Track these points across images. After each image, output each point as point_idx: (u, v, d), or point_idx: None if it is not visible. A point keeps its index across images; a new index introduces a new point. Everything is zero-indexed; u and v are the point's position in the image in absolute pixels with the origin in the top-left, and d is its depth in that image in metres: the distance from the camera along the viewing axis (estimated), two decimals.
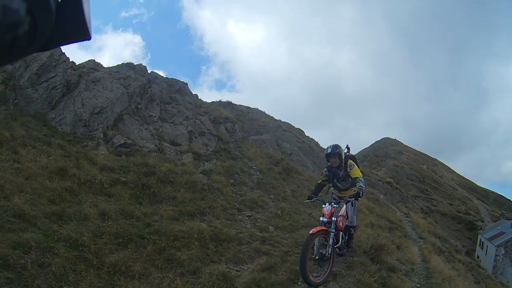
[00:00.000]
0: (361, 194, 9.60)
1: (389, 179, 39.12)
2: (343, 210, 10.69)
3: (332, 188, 11.20)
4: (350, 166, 10.25)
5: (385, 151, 61.98)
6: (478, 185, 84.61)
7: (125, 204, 11.43)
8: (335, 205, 9.61)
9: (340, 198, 10.70)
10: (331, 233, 9.22)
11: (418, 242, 18.36)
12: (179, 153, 18.72)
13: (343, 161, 10.43)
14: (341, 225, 10.30)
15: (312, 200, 10.10)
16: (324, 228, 9.12)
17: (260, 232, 12.58)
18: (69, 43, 1.04)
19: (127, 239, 9.25)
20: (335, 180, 10.79)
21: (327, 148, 10.57)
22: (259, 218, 14.09)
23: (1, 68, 18.11)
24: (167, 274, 8.15)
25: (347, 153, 10.95)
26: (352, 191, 10.14)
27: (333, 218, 9.35)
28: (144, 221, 10.55)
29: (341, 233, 10.13)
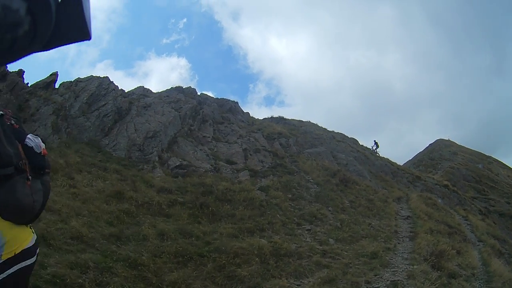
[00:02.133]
0: None
1: (446, 182, 37.59)
2: None
3: None
4: None
5: (440, 153, 59.90)
6: None
7: (184, 223, 11.41)
8: None
9: None
10: None
11: (478, 245, 17.56)
12: (235, 171, 18.61)
13: None
14: None
15: None
16: None
17: (320, 245, 12.34)
18: (69, 43, 1.02)
19: (187, 257, 9.12)
20: None
21: None
22: (318, 231, 13.76)
23: (51, 99, 18.95)
24: None
25: None
26: None
27: None
28: (203, 240, 10.48)
29: None
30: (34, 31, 0.87)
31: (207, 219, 12.35)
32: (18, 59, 0.92)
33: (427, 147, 70.23)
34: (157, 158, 17.24)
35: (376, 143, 43.94)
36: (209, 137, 23.00)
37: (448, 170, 50.22)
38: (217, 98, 32.85)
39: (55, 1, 0.90)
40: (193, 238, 10.40)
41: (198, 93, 30.91)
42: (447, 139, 73.78)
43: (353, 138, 41.01)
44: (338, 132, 39.65)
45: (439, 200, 27.15)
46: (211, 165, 18.53)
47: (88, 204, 10.73)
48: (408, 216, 18.58)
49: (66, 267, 6.90)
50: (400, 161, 48.50)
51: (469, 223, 22.50)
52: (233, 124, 27.25)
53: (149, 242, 9.42)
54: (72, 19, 0.96)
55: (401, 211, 19.74)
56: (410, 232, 15.72)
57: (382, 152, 45.82)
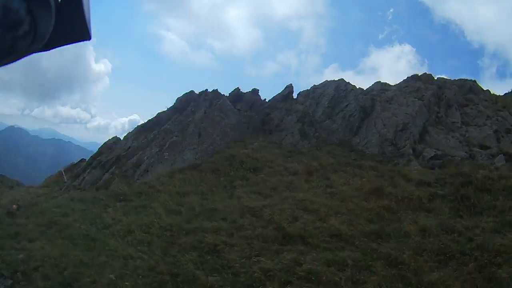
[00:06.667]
0: None
1: None
2: None
3: None
4: None
5: None
6: None
7: (445, 218, 11.02)
8: None
9: None
10: None
11: None
12: (490, 157, 17.08)
13: None
14: None
15: None
16: None
17: None
18: (69, 43, 1.04)
19: (449, 255, 8.79)
20: None
21: None
22: None
23: (293, 109, 20.59)
24: None
25: None
26: None
27: None
28: (465, 236, 9.91)
29: None
30: (34, 31, 0.89)
31: (468, 212, 11.66)
32: (18, 59, 0.94)
33: None
34: (411, 151, 17.09)
35: None
36: (457, 122, 21.82)
37: None
38: (455, 80, 30.34)
39: (55, 1, 0.92)
40: (455, 234, 9.96)
41: (435, 78, 29.37)
42: None
43: None
44: None
45: None
46: (465, 152, 17.57)
47: (346, 202, 11.23)
48: None
49: (323, 264, 7.35)
50: None
51: None
52: (477, 104, 25.05)
53: (410, 239, 9.39)
54: (72, 19, 0.99)
55: None
56: None
57: None
